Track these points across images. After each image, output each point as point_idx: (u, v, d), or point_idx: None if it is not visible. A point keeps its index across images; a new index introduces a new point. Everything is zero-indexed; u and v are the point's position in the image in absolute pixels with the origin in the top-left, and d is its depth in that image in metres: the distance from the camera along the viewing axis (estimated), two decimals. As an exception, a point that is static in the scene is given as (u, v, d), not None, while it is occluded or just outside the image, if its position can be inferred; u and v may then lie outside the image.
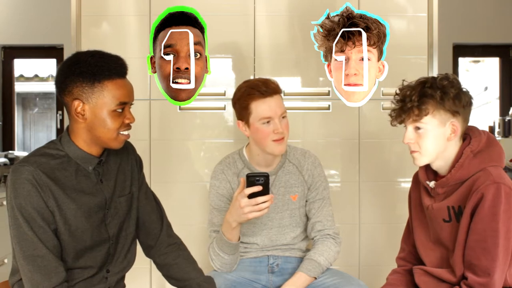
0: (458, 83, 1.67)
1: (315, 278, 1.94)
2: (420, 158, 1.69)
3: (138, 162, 1.77)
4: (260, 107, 1.91)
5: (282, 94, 1.99)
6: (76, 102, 1.52)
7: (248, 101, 1.93)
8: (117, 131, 1.55)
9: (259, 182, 1.76)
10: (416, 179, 1.83)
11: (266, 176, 1.77)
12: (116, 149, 1.60)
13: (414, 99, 1.64)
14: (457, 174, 1.64)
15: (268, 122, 1.92)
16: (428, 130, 1.65)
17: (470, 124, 1.74)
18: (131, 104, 1.60)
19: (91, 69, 1.51)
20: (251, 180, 1.77)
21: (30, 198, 1.47)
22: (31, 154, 1.56)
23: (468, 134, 1.70)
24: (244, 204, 1.77)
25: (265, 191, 1.77)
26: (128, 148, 1.74)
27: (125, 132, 1.58)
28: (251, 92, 1.92)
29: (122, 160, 1.70)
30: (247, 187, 1.77)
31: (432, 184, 1.72)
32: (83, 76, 1.51)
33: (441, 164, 1.70)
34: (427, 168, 1.76)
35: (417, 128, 1.66)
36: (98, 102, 1.51)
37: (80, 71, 1.51)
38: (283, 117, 1.95)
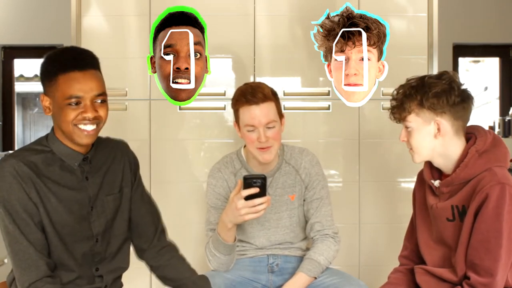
0: (449, 82, 1.66)
1: (315, 278, 1.94)
2: (414, 155, 1.73)
3: (133, 162, 1.76)
4: (245, 114, 1.92)
5: (274, 103, 1.94)
6: (43, 97, 1.57)
7: (237, 106, 1.95)
8: (73, 123, 1.53)
9: (256, 184, 1.75)
10: (420, 178, 1.84)
11: (263, 178, 1.76)
12: (84, 145, 1.58)
13: (398, 98, 1.70)
14: (462, 173, 1.65)
15: (253, 130, 1.92)
16: (415, 129, 1.69)
17: (470, 124, 1.74)
18: (104, 99, 1.57)
19: (50, 64, 1.56)
20: (248, 182, 1.76)
21: (12, 191, 1.49)
22: (17, 150, 1.60)
23: (474, 134, 1.70)
24: (241, 206, 1.76)
25: (262, 193, 1.76)
26: (122, 149, 1.74)
27: (86, 127, 1.54)
28: (239, 98, 1.93)
29: (115, 159, 1.70)
30: (243, 189, 1.76)
31: (436, 183, 1.72)
32: (44, 71, 1.56)
33: (442, 162, 1.71)
34: (432, 167, 1.76)
35: (407, 127, 1.71)
36: (55, 95, 1.53)
37: (43, 67, 1.57)
38: (269, 127, 1.91)
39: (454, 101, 1.65)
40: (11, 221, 1.50)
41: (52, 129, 1.61)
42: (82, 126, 1.54)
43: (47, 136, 1.62)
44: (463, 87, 1.69)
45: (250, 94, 1.90)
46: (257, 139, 1.91)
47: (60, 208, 1.55)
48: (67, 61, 1.53)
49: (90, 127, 1.55)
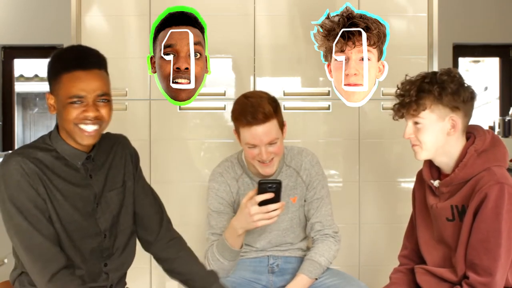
0: (459, 78, 1.66)
1: (316, 279, 1.94)
2: (420, 152, 1.69)
3: (134, 156, 1.75)
4: (246, 134, 1.87)
5: (276, 118, 1.88)
6: (48, 95, 1.57)
7: (237, 124, 1.91)
8: (74, 123, 1.52)
9: (271, 189, 1.72)
10: (420, 177, 1.83)
11: (278, 183, 1.73)
12: (87, 145, 1.57)
13: (412, 94, 1.65)
14: (461, 173, 1.64)
15: (254, 147, 1.89)
16: (426, 125, 1.65)
17: (471, 123, 1.74)
18: (107, 98, 1.57)
19: (54, 62, 1.56)
20: (263, 187, 1.73)
21: (20, 188, 1.49)
22: (20, 147, 1.59)
23: (473, 133, 1.70)
24: (254, 212, 1.73)
25: (276, 199, 1.73)
26: (121, 143, 1.74)
27: (87, 127, 1.53)
28: (239, 117, 1.88)
29: (116, 154, 1.70)
30: (258, 194, 1.73)
31: (436, 183, 1.71)
32: (51, 70, 1.56)
33: (443, 161, 1.70)
34: (431, 166, 1.75)
35: (416, 123, 1.67)
36: (59, 94, 1.53)
37: (49, 66, 1.57)
38: (271, 144, 1.88)
39: (467, 97, 1.65)
40: (23, 219, 1.49)
41: (56, 127, 1.61)
42: (83, 126, 1.53)
43: (50, 134, 1.62)
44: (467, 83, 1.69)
45: (250, 115, 1.84)
46: (258, 155, 1.89)
47: (66, 204, 1.56)
48: (71, 60, 1.53)
49: (91, 127, 1.53)
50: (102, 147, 1.67)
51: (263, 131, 1.85)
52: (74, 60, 1.53)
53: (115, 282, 1.68)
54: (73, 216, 1.57)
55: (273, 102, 1.91)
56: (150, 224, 1.76)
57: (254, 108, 1.85)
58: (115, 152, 1.70)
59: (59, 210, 1.54)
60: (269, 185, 1.72)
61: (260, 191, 1.73)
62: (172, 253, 1.76)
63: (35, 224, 1.49)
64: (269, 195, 1.72)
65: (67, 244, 1.56)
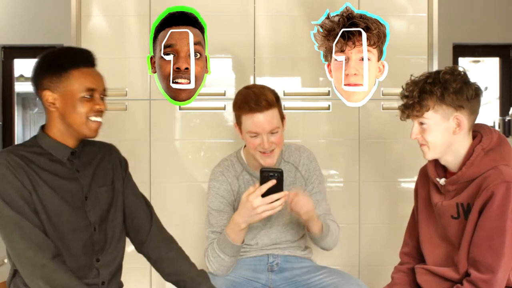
0: (463, 76, 1.66)
1: (322, 231, 1.94)
2: (428, 152, 1.69)
3: (123, 161, 1.81)
4: (248, 122, 1.90)
5: (277, 108, 1.92)
6: (46, 93, 1.60)
7: (239, 112, 1.93)
8: (87, 116, 1.60)
9: (273, 178, 1.74)
10: (424, 174, 1.83)
11: (280, 172, 1.74)
12: (90, 137, 1.65)
13: (415, 95, 1.65)
14: (468, 171, 1.64)
15: (255, 136, 1.91)
16: (431, 125, 1.66)
17: (477, 122, 1.73)
18: (104, 94, 1.66)
19: (57, 60, 1.61)
20: (264, 175, 1.74)
21: (6, 180, 1.53)
22: (8, 147, 1.65)
23: (479, 132, 1.70)
24: (258, 204, 1.75)
25: (279, 188, 1.74)
26: (111, 149, 1.80)
27: (97, 119, 1.63)
28: (242, 105, 1.91)
29: (104, 157, 1.75)
30: (260, 183, 1.74)
31: (442, 181, 1.71)
32: (50, 67, 1.60)
33: (450, 159, 1.70)
34: (436, 164, 1.75)
35: (421, 123, 1.67)
36: (66, 90, 1.59)
37: (48, 64, 1.61)
38: (273, 133, 1.91)
39: (472, 95, 1.65)
40: (10, 209, 1.52)
41: (41, 128, 1.66)
42: (93, 118, 1.62)
43: (36, 135, 1.67)
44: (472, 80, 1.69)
45: (254, 102, 1.88)
46: (259, 145, 1.91)
47: (53, 196, 1.58)
48: (78, 57, 1.62)
49: (99, 119, 1.64)
50: (89, 148, 1.72)
51: (265, 119, 1.88)
52: (81, 57, 1.62)
53: (107, 279, 1.68)
54: (62, 208, 1.59)
55: (275, 93, 1.97)
56: (140, 224, 1.78)
57: (257, 96, 1.90)
58: (103, 154, 1.75)
59: (46, 202, 1.57)
60: (271, 173, 1.74)
61: (262, 179, 1.74)
62: (163, 253, 1.77)
63: (22, 214, 1.52)
64: (271, 183, 1.73)
65: (53, 236, 1.58)
